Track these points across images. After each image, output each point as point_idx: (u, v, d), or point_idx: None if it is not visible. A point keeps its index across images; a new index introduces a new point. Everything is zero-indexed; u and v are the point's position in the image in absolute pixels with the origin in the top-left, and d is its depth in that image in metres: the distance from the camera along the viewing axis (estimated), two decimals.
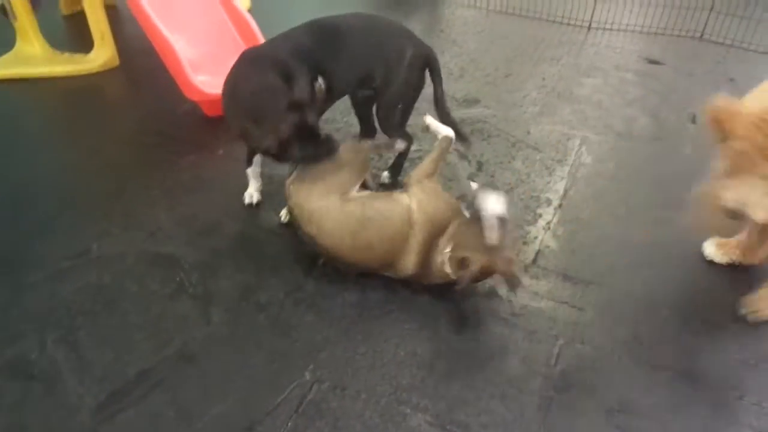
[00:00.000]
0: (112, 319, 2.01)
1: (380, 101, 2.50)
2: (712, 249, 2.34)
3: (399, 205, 2.13)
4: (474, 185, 2.47)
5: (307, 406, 1.76)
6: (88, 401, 1.75)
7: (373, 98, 2.54)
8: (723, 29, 4.44)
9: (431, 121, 2.46)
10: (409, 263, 2.09)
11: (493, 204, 1.96)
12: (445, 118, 2.51)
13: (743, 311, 2.09)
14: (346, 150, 2.24)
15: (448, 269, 2.04)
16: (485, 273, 1.99)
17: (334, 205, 2.12)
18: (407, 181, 2.26)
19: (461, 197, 2.13)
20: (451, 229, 2.08)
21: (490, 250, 1.93)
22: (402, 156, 2.68)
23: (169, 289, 2.14)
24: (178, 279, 2.18)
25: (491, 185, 2.67)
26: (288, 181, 2.24)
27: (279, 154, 2.15)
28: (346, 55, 2.35)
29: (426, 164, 2.30)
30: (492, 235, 1.92)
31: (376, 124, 2.62)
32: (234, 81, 2.22)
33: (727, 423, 1.78)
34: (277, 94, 2.12)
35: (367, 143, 2.49)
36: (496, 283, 2.13)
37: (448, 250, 2.04)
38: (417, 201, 2.13)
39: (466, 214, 2.05)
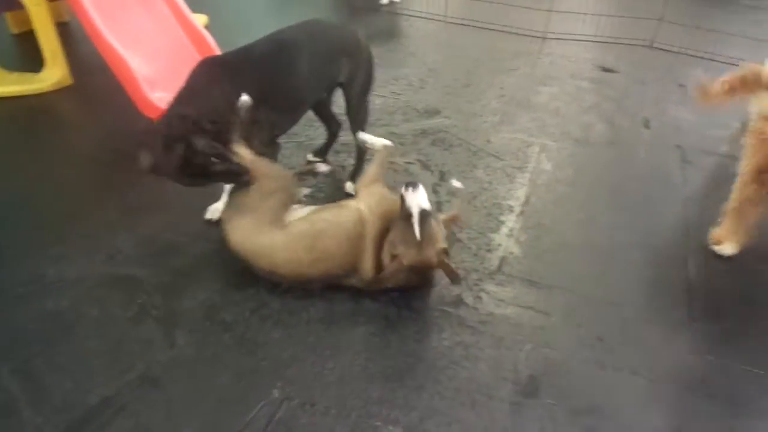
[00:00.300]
0: (71, 346, 1.95)
1: (351, 96, 2.58)
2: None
3: (348, 209, 2.19)
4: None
5: (277, 425, 1.73)
6: None
7: (330, 98, 2.66)
8: (672, 37, 4.59)
9: (366, 136, 2.55)
10: (368, 264, 2.12)
11: (415, 199, 2.02)
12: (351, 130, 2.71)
13: (710, 243, 2.39)
14: (270, 180, 2.23)
15: (385, 261, 2.09)
16: (420, 268, 2.06)
17: (277, 237, 2.13)
18: (356, 188, 2.35)
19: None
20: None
21: (419, 244, 1.99)
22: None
23: (131, 312, 2.08)
24: (140, 301, 2.13)
25: (453, 193, 2.69)
26: (223, 221, 2.24)
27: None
28: (308, 62, 2.36)
29: (370, 172, 2.38)
30: (417, 230, 1.99)
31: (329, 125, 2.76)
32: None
33: (689, 419, 1.81)
34: (199, 100, 2.15)
35: (290, 171, 2.51)
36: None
37: (386, 247, 2.10)
38: (365, 203, 2.21)
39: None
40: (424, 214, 2.01)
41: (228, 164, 2.12)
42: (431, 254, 2.02)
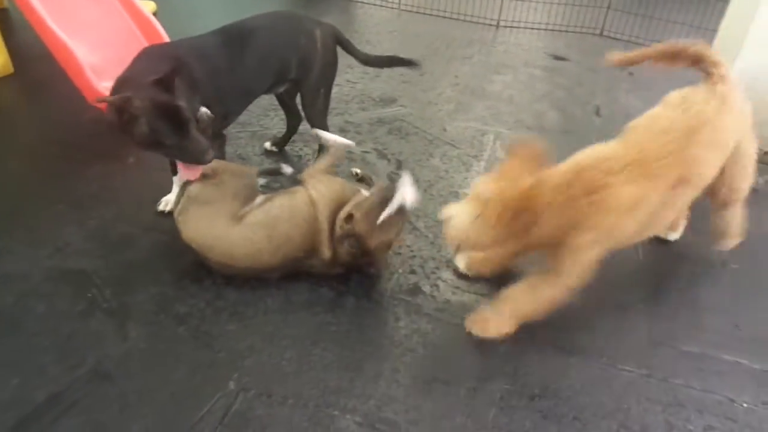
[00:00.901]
0: (17, 342, 1.88)
1: (303, 90, 2.55)
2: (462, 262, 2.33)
3: (298, 194, 2.21)
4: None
5: (233, 417, 1.71)
6: None
7: (294, 90, 2.58)
8: (621, 26, 4.70)
9: (322, 133, 2.55)
10: (324, 246, 2.13)
11: (407, 194, 2.08)
12: (384, 62, 2.83)
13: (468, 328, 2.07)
14: (232, 176, 2.23)
15: (339, 220, 2.11)
16: (362, 247, 2.07)
17: (235, 231, 2.12)
18: (301, 178, 2.33)
19: (366, 180, 2.48)
20: (349, 205, 2.16)
21: (374, 226, 2.03)
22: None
23: (81, 307, 2.03)
24: (89, 295, 2.07)
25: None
26: (175, 213, 2.19)
27: (143, 138, 1.97)
28: (255, 54, 2.33)
29: (319, 165, 2.40)
30: (385, 214, 2.03)
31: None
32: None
33: (638, 400, 1.87)
34: (145, 74, 1.98)
35: (254, 168, 2.50)
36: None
37: (347, 209, 2.13)
38: (313, 188, 2.22)
39: (366, 193, 2.20)
40: (401, 209, 2.06)
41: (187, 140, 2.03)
42: (377, 240, 2.05)
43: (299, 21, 2.51)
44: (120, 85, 2.02)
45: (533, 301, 1.97)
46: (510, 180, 1.82)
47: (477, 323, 2.04)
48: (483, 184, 1.85)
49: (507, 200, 1.78)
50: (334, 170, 2.45)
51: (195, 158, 2.08)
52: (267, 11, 2.51)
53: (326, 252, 2.14)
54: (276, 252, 2.11)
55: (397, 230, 2.13)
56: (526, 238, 1.85)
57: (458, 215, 1.86)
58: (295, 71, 2.47)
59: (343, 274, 2.21)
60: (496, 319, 2.02)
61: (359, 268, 2.22)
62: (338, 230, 2.10)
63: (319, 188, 2.21)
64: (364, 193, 2.25)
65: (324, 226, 2.14)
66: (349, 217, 2.07)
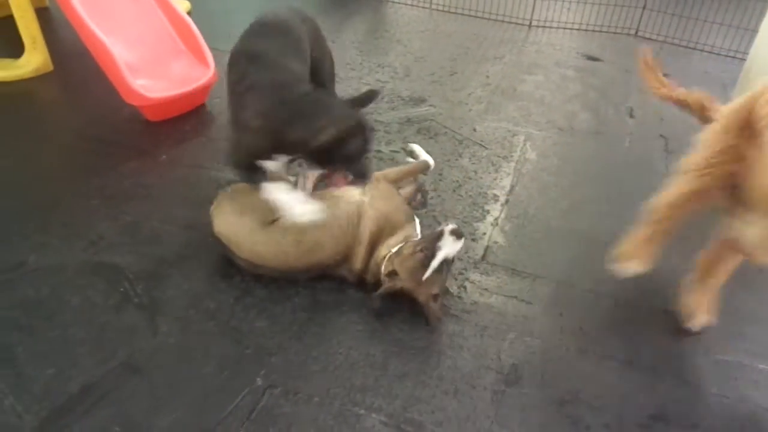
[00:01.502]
0: (52, 334, 1.93)
1: (324, 68, 2.57)
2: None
3: (346, 202, 2.17)
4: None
5: (260, 413, 1.73)
6: (28, 420, 1.67)
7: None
8: (656, 26, 4.61)
9: (416, 147, 2.64)
10: (358, 259, 2.12)
11: (450, 246, 2.01)
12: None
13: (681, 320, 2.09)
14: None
15: (382, 269, 2.08)
16: (407, 294, 2.03)
17: (264, 231, 2.11)
18: (375, 176, 2.27)
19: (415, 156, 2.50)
20: (401, 235, 2.14)
21: (420, 282, 1.99)
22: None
23: (113, 300, 2.07)
24: (122, 289, 2.11)
25: (441, 186, 2.69)
26: (212, 207, 2.22)
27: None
28: (295, 47, 2.32)
29: (394, 171, 2.40)
30: (427, 273, 1.98)
31: None
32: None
33: (671, 409, 1.84)
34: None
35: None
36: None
37: (394, 250, 2.08)
38: (371, 196, 2.20)
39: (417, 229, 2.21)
40: (445, 263, 2.01)
41: None
42: (424, 294, 2.01)
43: (298, 9, 2.51)
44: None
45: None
46: None
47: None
48: None
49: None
50: (405, 180, 2.44)
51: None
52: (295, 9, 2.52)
53: (358, 264, 2.13)
54: (302, 257, 2.10)
55: (442, 282, 2.05)
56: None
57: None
58: (315, 53, 2.46)
59: None
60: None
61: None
62: (383, 274, 2.07)
63: (376, 200, 2.18)
64: (416, 227, 2.22)
65: (365, 239, 2.11)
66: (392, 273, 2.03)
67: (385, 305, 2.06)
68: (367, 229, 2.12)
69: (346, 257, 2.14)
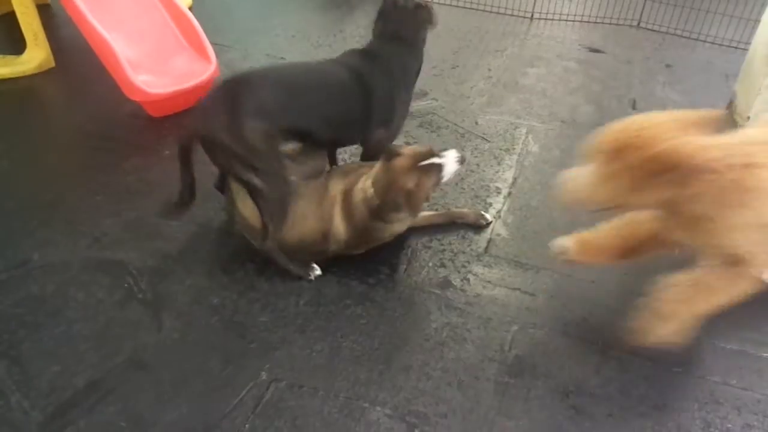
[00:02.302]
0: (57, 330, 1.94)
1: None
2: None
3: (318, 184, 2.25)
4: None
5: (265, 406, 1.74)
6: (34, 416, 1.68)
7: None
8: (659, 17, 4.59)
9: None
10: (339, 224, 2.15)
11: (449, 162, 2.15)
12: None
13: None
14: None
15: (369, 199, 2.12)
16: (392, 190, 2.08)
17: None
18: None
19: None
20: (366, 173, 2.19)
21: (417, 169, 2.08)
22: None
23: (118, 296, 2.08)
24: (126, 285, 2.12)
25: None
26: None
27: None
28: None
29: (410, 147, 2.31)
30: (428, 161, 2.10)
31: None
32: None
33: (674, 398, 1.84)
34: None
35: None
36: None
37: (368, 183, 2.14)
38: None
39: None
40: (437, 170, 2.11)
41: None
42: (414, 184, 2.07)
43: None
44: None
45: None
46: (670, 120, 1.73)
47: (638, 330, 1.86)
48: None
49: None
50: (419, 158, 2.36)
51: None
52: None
53: (342, 232, 2.15)
54: (291, 231, 2.12)
55: (435, 181, 2.13)
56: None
57: (579, 173, 1.78)
58: None
59: (373, 268, 2.22)
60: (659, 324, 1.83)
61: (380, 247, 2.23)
62: (368, 193, 2.13)
63: (334, 169, 2.30)
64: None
65: (338, 199, 2.17)
66: (394, 155, 2.11)
67: (387, 299, 2.06)
68: (337, 188, 2.19)
69: (330, 231, 2.16)
